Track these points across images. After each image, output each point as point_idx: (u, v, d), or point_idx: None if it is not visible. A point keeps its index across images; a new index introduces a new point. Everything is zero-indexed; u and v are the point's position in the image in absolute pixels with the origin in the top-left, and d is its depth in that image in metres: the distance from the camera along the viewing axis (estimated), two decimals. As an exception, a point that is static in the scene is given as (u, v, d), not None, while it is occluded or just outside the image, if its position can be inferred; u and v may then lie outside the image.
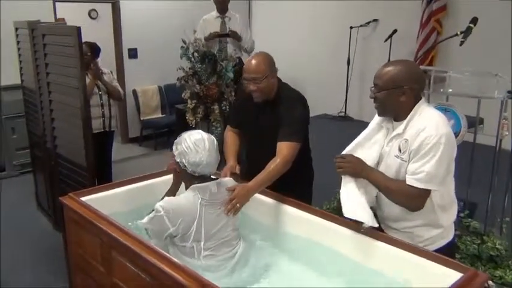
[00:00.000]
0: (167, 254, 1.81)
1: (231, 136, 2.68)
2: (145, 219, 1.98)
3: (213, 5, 5.38)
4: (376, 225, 1.96)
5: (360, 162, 1.99)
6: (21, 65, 4.03)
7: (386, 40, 5.41)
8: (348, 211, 1.97)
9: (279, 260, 2.15)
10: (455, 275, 1.67)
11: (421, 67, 2.50)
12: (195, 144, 1.99)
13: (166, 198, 2.04)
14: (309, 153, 2.69)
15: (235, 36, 5.33)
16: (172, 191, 2.15)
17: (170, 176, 2.24)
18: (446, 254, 1.83)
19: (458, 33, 2.90)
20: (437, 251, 1.89)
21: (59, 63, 3.03)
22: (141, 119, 6.50)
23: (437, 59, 5.18)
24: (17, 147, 5.15)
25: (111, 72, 4.24)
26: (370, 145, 2.04)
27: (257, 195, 2.28)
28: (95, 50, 4.07)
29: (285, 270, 2.09)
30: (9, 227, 3.91)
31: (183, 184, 2.14)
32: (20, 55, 4.02)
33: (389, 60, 4.77)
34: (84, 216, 2.13)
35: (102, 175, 3.70)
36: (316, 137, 2.96)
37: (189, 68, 4.77)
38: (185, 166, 2.00)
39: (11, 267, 3.35)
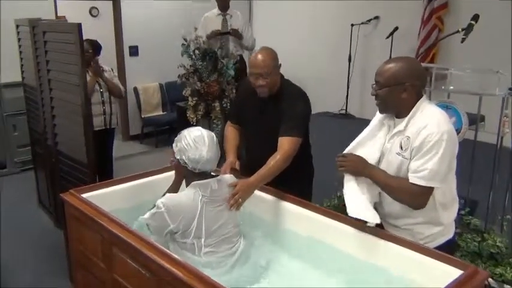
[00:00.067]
0: (167, 250, 1.82)
1: (231, 131, 2.68)
2: (146, 215, 1.99)
3: (214, 2, 5.38)
4: (379, 221, 1.95)
5: (361, 160, 1.99)
6: (22, 62, 4.03)
7: (387, 37, 5.39)
8: (352, 211, 1.98)
9: (280, 257, 2.15)
10: (455, 272, 1.66)
11: (423, 64, 2.49)
12: (194, 140, 1.99)
13: (167, 194, 2.05)
14: (309, 150, 2.69)
15: (237, 35, 5.33)
16: (174, 188, 2.16)
17: (171, 173, 2.24)
18: (447, 251, 1.83)
19: (460, 30, 2.89)
20: (437, 248, 1.89)
21: (60, 61, 3.03)
22: (142, 116, 6.51)
23: (438, 57, 5.16)
24: (18, 144, 5.17)
25: (112, 70, 4.24)
26: (372, 143, 2.04)
27: (258, 192, 2.28)
28: (96, 47, 4.07)
29: (285, 267, 2.09)
30: (10, 224, 3.91)
31: (184, 181, 2.15)
32: (21, 52, 4.02)
33: (390, 57, 4.76)
34: (85, 213, 2.13)
35: (103, 172, 3.70)
36: (317, 135, 2.96)
37: (190, 66, 4.77)
38: (185, 163, 2.01)
39: (11, 265, 3.35)
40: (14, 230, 3.86)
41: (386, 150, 1.98)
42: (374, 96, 1.95)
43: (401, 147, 1.90)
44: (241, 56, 5.45)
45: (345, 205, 2.05)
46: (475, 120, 2.75)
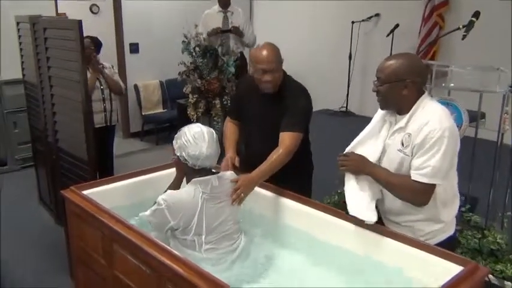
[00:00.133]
0: (168, 247, 1.82)
1: (230, 127, 2.68)
2: (147, 212, 2.00)
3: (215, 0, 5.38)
4: (375, 219, 1.95)
5: (362, 159, 1.99)
6: (23, 59, 4.02)
7: (388, 35, 5.39)
8: (353, 210, 1.98)
9: (280, 253, 2.15)
10: (456, 269, 1.67)
11: (423, 61, 2.49)
12: (194, 137, 1.99)
13: (168, 191, 2.05)
14: (308, 147, 2.69)
15: (238, 32, 5.33)
16: (175, 185, 2.16)
17: (172, 170, 2.24)
18: (447, 248, 1.83)
19: (461, 27, 2.89)
20: (438, 244, 1.89)
21: (60, 57, 3.03)
22: (143, 113, 6.50)
23: (439, 54, 5.16)
24: (19, 141, 5.17)
25: (112, 67, 4.23)
26: (373, 141, 2.03)
27: (258, 189, 2.29)
28: (96, 44, 4.07)
29: (285, 264, 2.09)
30: (11, 221, 3.92)
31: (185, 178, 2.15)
32: (21, 49, 4.01)
33: (391, 54, 4.76)
34: (85, 210, 2.13)
35: (103, 169, 3.70)
36: (317, 132, 2.96)
37: (191, 63, 4.77)
38: (185, 160, 2.01)
39: (12, 262, 3.36)
40: (15, 227, 3.87)
41: (387, 146, 1.98)
42: (375, 93, 1.95)
43: (402, 144, 1.90)
44: (241, 53, 5.45)
45: (345, 202, 2.05)
46: (476, 117, 2.75)
